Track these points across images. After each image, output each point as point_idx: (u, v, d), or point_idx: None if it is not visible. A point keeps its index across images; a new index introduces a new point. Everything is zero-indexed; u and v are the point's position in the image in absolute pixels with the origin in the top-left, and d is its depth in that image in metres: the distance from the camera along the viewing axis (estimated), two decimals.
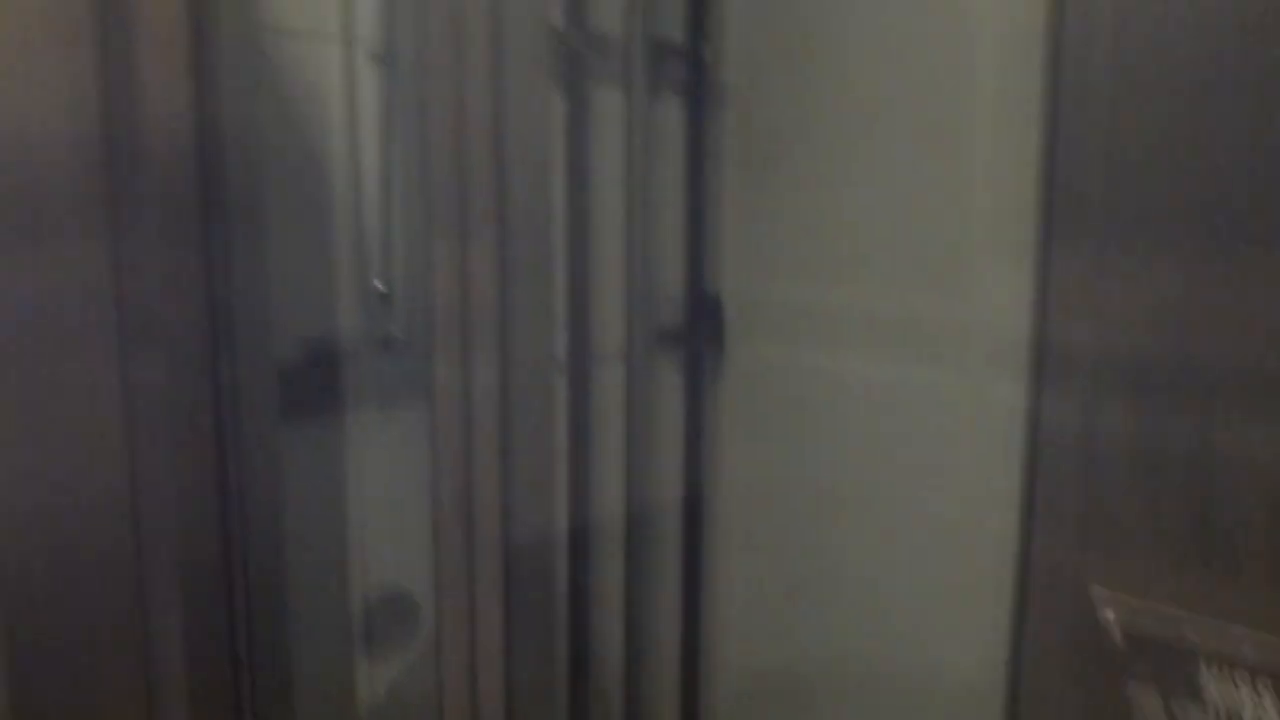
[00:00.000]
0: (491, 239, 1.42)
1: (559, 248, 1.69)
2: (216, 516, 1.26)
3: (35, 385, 1.26)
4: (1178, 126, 1.03)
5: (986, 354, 1.44)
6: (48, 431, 1.21)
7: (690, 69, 1.85)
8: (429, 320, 1.53)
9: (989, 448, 1.40)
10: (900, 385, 1.56)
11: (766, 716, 1.85)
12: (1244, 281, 0.98)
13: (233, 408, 1.38)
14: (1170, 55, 1.03)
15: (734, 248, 1.85)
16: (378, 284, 1.71)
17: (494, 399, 1.44)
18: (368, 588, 1.69)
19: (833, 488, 1.69)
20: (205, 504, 1.26)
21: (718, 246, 1.87)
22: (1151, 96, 1.05)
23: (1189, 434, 1.03)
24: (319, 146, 1.76)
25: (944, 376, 1.49)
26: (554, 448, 1.68)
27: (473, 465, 1.45)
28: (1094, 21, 1.10)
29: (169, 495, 1.23)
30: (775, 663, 1.82)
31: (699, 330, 1.88)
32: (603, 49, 1.71)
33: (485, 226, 1.43)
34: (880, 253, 1.59)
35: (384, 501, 1.68)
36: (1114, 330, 1.06)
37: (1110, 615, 1.05)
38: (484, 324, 1.44)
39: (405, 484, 1.63)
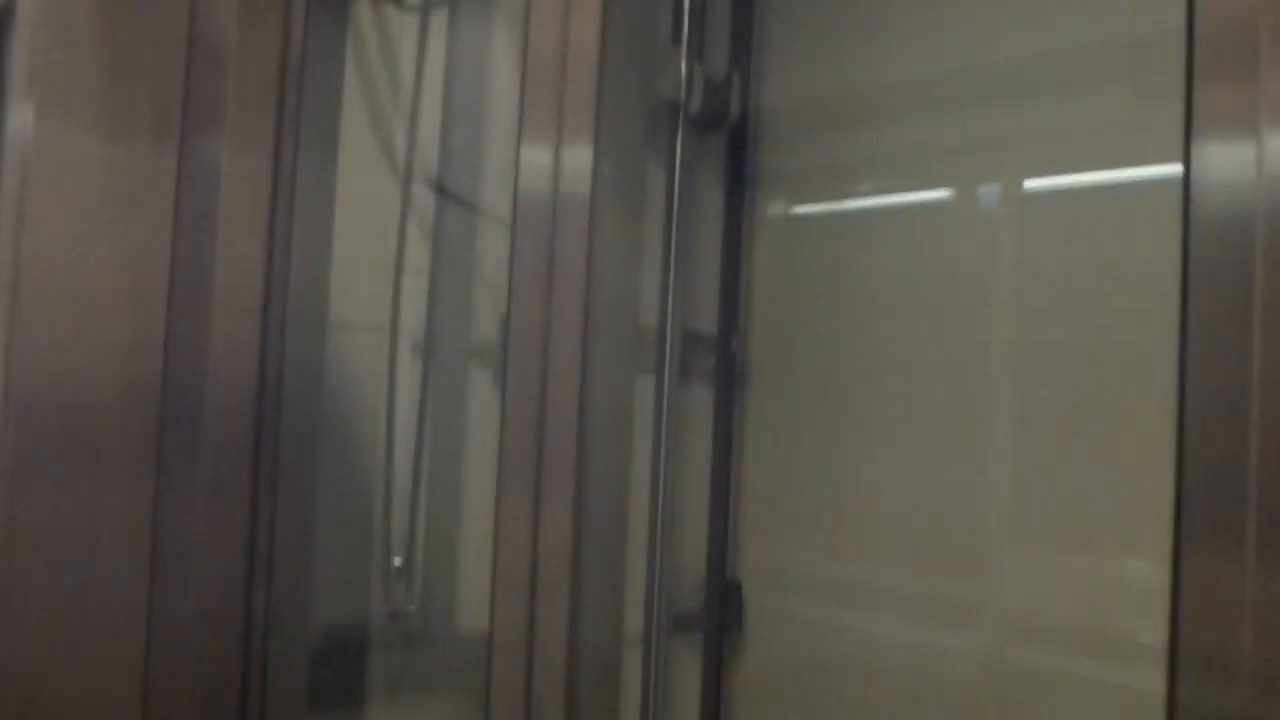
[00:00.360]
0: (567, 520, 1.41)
1: None
2: None
3: (64, 600, 1.34)
4: None
5: (1008, 628, 1.44)
6: (70, 649, 1.27)
7: (719, 358, 1.94)
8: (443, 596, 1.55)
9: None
10: (920, 657, 1.56)
11: None
12: None
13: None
14: None
15: (754, 529, 1.88)
16: (396, 560, 1.77)
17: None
18: None
19: None
20: None
21: (738, 531, 1.90)
22: None
23: None
24: (361, 427, 1.87)
25: (962, 647, 1.49)
26: None
27: None
28: None
29: None
30: None
31: (718, 614, 1.89)
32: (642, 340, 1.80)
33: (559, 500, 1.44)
34: (898, 529, 1.61)
35: None
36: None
37: None
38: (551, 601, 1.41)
39: None
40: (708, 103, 1.72)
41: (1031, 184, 1.47)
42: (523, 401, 1.31)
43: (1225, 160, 0.76)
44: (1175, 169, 1.28)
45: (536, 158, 1.30)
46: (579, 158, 1.26)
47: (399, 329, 2.09)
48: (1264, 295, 0.72)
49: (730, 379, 1.98)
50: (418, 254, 2.10)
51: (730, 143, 1.85)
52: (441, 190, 2.08)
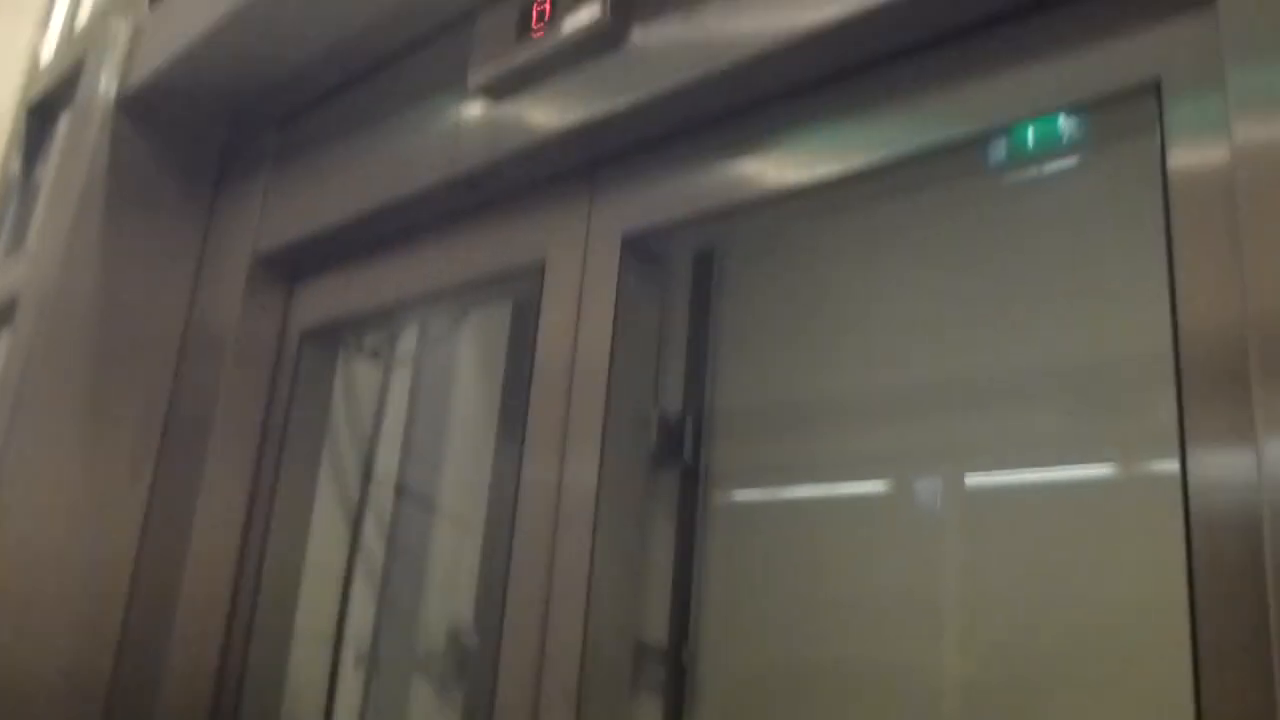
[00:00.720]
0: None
1: None
2: None
3: None
4: None
5: None
6: None
7: (669, 670, 1.92)
8: None
9: None
10: None
11: None
12: None
13: None
14: None
15: None
16: None
17: None
18: None
19: None
20: None
21: None
22: None
23: None
24: None
25: None
26: None
27: None
28: None
29: None
30: None
31: None
32: None
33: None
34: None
35: None
36: None
37: None
38: None
39: None
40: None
41: (972, 480, 1.54)
42: (514, 706, 1.28)
43: (1223, 467, 0.78)
44: (1108, 470, 1.39)
45: (540, 468, 1.34)
46: (585, 467, 1.29)
47: (344, 639, 2.04)
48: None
49: (680, 692, 1.95)
50: (370, 563, 2.09)
51: (683, 441, 1.90)
52: (398, 501, 2.10)
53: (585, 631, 1.24)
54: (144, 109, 1.77)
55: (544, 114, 1.34)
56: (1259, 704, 0.72)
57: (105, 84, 1.76)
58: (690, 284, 1.84)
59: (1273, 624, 0.70)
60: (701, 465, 1.83)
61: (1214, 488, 0.79)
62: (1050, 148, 1.06)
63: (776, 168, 1.19)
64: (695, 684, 1.84)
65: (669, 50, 1.23)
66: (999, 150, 1.08)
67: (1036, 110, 1.00)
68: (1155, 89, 0.90)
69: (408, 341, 2.19)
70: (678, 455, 1.84)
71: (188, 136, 1.84)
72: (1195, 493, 0.80)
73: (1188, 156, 0.86)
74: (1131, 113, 0.94)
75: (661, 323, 1.53)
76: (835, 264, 1.71)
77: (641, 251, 1.35)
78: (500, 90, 1.39)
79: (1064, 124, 1.01)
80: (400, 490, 2.13)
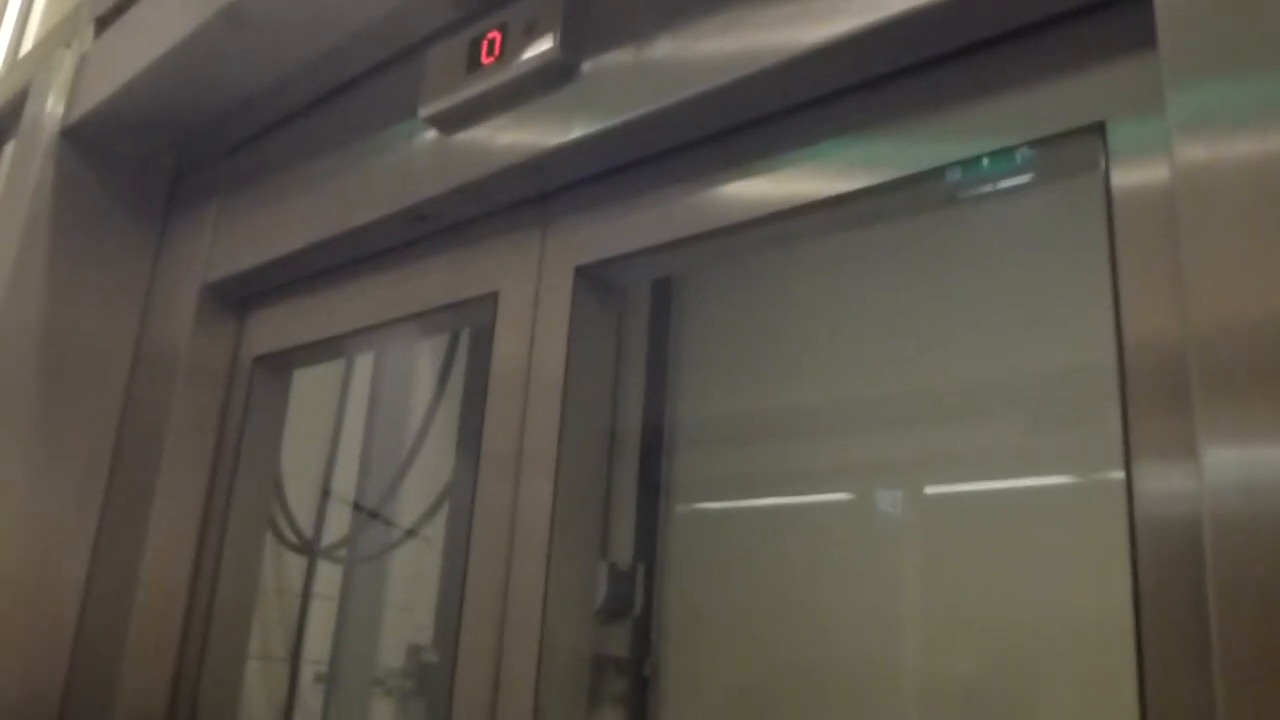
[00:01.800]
0: None
1: None
2: None
3: None
4: None
5: None
6: None
7: (631, 682, 1.93)
8: None
9: None
10: None
11: None
12: None
13: None
14: None
15: None
16: None
17: None
18: None
19: None
20: None
21: None
22: None
23: None
24: None
25: None
26: None
27: None
28: None
29: None
30: None
31: None
32: None
33: None
34: None
35: None
36: None
37: None
38: None
39: None
40: (613, 593, 1.77)
41: (931, 490, 1.57)
42: None
43: (1165, 476, 0.82)
44: (1066, 479, 1.43)
45: (494, 486, 1.35)
46: (539, 486, 1.30)
47: (303, 657, 2.04)
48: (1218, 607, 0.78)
49: (642, 704, 1.97)
50: (328, 580, 2.09)
51: (643, 455, 1.92)
52: (358, 514, 2.10)
53: (540, 648, 1.26)
54: (90, 138, 1.76)
55: (495, 146, 1.35)
56: (1200, 699, 0.76)
57: (50, 112, 1.74)
58: (649, 307, 1.86)
59: (1212, 625, 0.74)
60: (663, 479, 1.85)
61: (1157, 496, 0.83)
62: (1006, 168, 1.10)
63: (729, 199, 1.21)
64: (658, 695, 1.87)
65: (620, 83, 1.24)
66: (955, 172, 1.11)
67: (986, 147, 1.03)
68: (1100, 127, 0.94)
69: (364, 362, 2.19)
70: (639, 471, 1.86)
71: (136, 166, 1.83)
72: (1140, 500, 0.84)
73: (1130, 178, 0.90)
74: (1079, 142, 0.98)
75: (619, 345, 1.55)
76: (794, 284, 1.74)
77: (596, 280, 1.36)
78: (451, 122, 1.40)
79: (1018, 151, 1.05)
80: (357, 508, 2.13)
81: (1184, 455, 0.81)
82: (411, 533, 2.06)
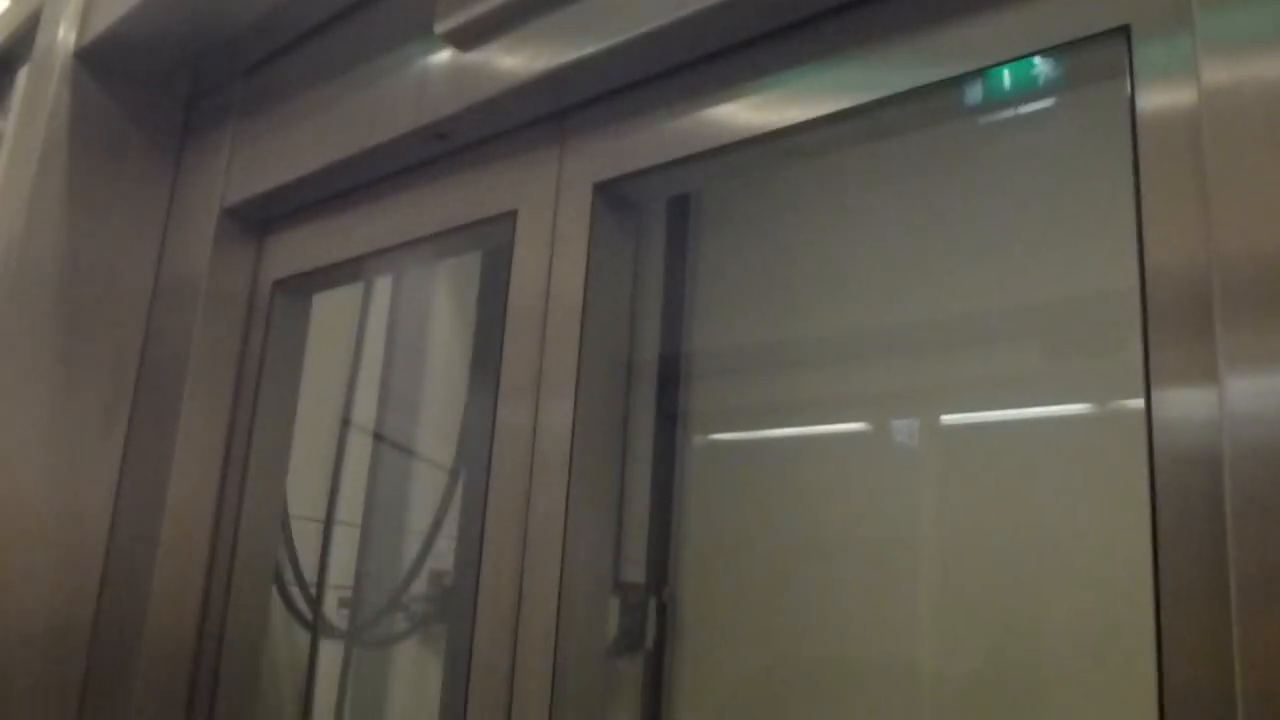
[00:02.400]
0: None
1: None
2: None
3: None
4: None
5: None
6: None
7: (650, 611, 1.95)
8: None
9: None
10: None
11: None
12: None
13: None
14: None
15: None
16: None
17: None
18: None
19: None
20: None
21: None
22: None
23: None
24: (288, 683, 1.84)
25: None
26: None
27: None
28: None
29: None
30: None
31: None
32: None
33: None
34: None
35: None
36: None
37: None
38: None
39: None
40: (625, 624, 1.76)
41: (948, 419, 1.57)
42: (492, 646, 1.31)
43: (1186, 404, 0.81)
44: (1084, 408, 1.42)
45: (515, 413, 1.35)
46: (559, 412, 1.30)
47: (327, 582, 2.07)
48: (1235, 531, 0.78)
49: (660, 631, 1.99)
50: (351, 507, 2.10)
51: (660, 384, 1.92)
52: (379, 442, 2.12)
53: (562, 572, 1.27)
54: (104, 61, 1.74)
55: (511, 62, 1.33)
56: (1217, 627, 0.76)
57: (63, 36, 1.73)
58: (666, 228, 1.85)
59: (1230, 554, 0.74)
60: (680, 407, 1.85)
61: (1177, 425, 0.81)
62: (1027, 89, 1.07)
63: (748, 112, 1.19)
64: (675, 623, 1.88)
65: None
66: (975, 92, 1.09)
67: (1009, 55, 1.01)
68: (1125, 33, 0.91)
69: (384, 286, 2.19)
70: (656, 400, 1.86)
71: (151, 88, 1.82)
72: (1159, 429, 0.83)
73: (1156, 99, 0.88)
74: (1103, 56, 0.95)
75: (637, 267, 1.54)
76: (812, 206, 1.72)
77: (614, 198, 1.35)
78: (467, 39, 1.38)
79: (1040, 66, 1.02)
80: (378, 434, 2.14)
81: (1205, 383, 0.80)
82: (433, 460, 2.08)
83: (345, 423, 2.12)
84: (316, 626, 2.05)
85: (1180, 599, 0.79)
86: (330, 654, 2.04)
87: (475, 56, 1.38)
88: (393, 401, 2.14)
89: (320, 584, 2.06)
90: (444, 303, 2.15)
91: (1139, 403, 0.84)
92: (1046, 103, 1.24)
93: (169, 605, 1.66)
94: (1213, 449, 0.78)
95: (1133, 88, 0.89)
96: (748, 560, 1.71)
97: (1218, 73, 0.80)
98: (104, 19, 1.67)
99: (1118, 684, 1.27)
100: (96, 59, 1.74)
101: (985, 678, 1.40)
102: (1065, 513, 1.36)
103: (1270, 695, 0.70)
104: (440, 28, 1.39)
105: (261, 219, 1.80)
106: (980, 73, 1.03)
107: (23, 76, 1.88)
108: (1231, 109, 0.79)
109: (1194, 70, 0.82)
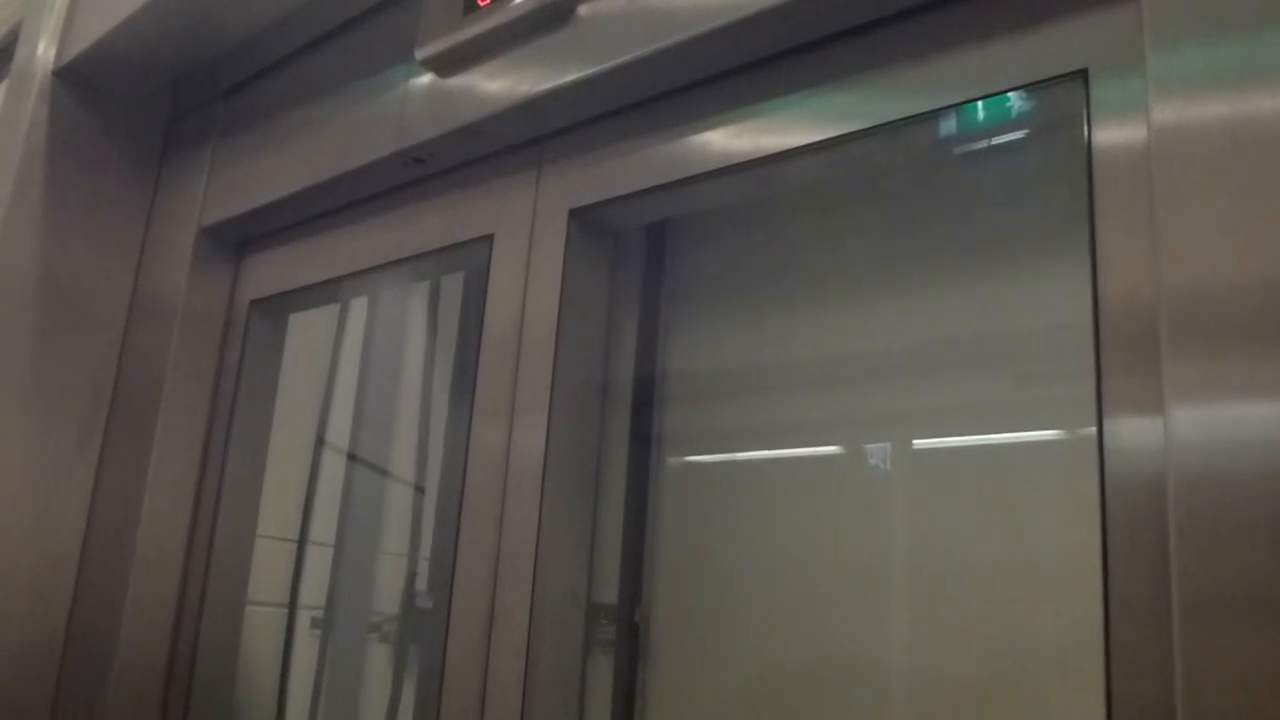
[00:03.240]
0: None
1: None
2: None
3: None
4: None
5: None
6: None
7: (621, 629, 1.95)
8: None
9: None
10: None
11: None
12: None
13: None
14: None
15: None
16: None
17: None
18: None
19: None
20: None
21: None
22: None
23: None
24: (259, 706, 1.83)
25: None
26: None
27: None
28: None
29: None
30: None
31: None
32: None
33: None
34: None
35: None
36: None
37: None
38: None
39: None
40: (596, 644, 1.76)
41: (920, 443, 1.59)
42: (464, 666, 1.32)
43: (1134, 432, 0.84)
44: (1054, 434, 1.45)
45: (488, 434, 1.37)
46: (533, 434, 1.32)
47: (299, 603, 2.06)
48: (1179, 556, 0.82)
49: (633, 651, 1.99)
50: (325, 526, 2.10)
51: (635, 407, 1.93)
52: (352, 462, 2.12)
53: (533, 593, 1.28)
54: (84, 79, 1.75)
55: (491, 89, 1.35)
56: (1160, 642, 0.79)
57: (43, 53, 1.73)
58: (643, 252, 1.87)
59: (1174, 574, 0.77)
60: (654, 430, 1.86)
61: (1127, 452, 0.85)
62: (1000, 122, 1.10)
63: (723, 141, 1.22)
64: (648, 643, 1.89)
65: (618, 25, 1.24)
66: (949, 124, 1.12)
67: (975, 94, 1.04)
68: (1083, 76, 0.94)
69: (359, 307, 2.20)
70: (631, 423, 1.87)
71: (130, 107, 1.82)
72: (1110, 456, 0.86)
73: (1110, 136, 0.91)
74: (1066, 96, 0.98)
75: (612, 290, 1.56)
76: (786, 238, 1.74)
77: (590, 224, 1.37)
78: (447, 65, 1.40)
79: (1014, 100, 1.06)
80: (352, 455, 2.14)
81: (1154, 413, 0.82)
82: (406, 481, 2.08)
83: (320, 442, 2.12)
84: (290, 645, 2.04)
85: (1128, 616, 0.82)
86: (303, 671, 2.03)
87: (455, 82, 1.40)
88: (367, 421, 2.14)
89: (293, 604, 2.06)
90: (421, 324, 2.15)
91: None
92: (1020, 133, 1.27)
93: (142, 622, 1.66)
94: (1159, 475, 0.81)
95: (1089, 127, 0.92)
96: (721, 582, 1.72)
97: (1166, 112, 0.83)
98: (84, 38, 1.68)
99: (1085, 703, 1.29)
100: (76, 77, 1.74)
101: (954, 697, 1.42)
102: (1033, 536, 1.38)
103: (1207, 707, 0.73)
104: (421, 54, 1.41)
105: (239, 239, 1.80)
106: (951, 108, 1.06)
107: (1, 92, 1.88)
108: (1178, 147, 0.82)
109: (1145, 109, 0.85)
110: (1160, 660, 0.78)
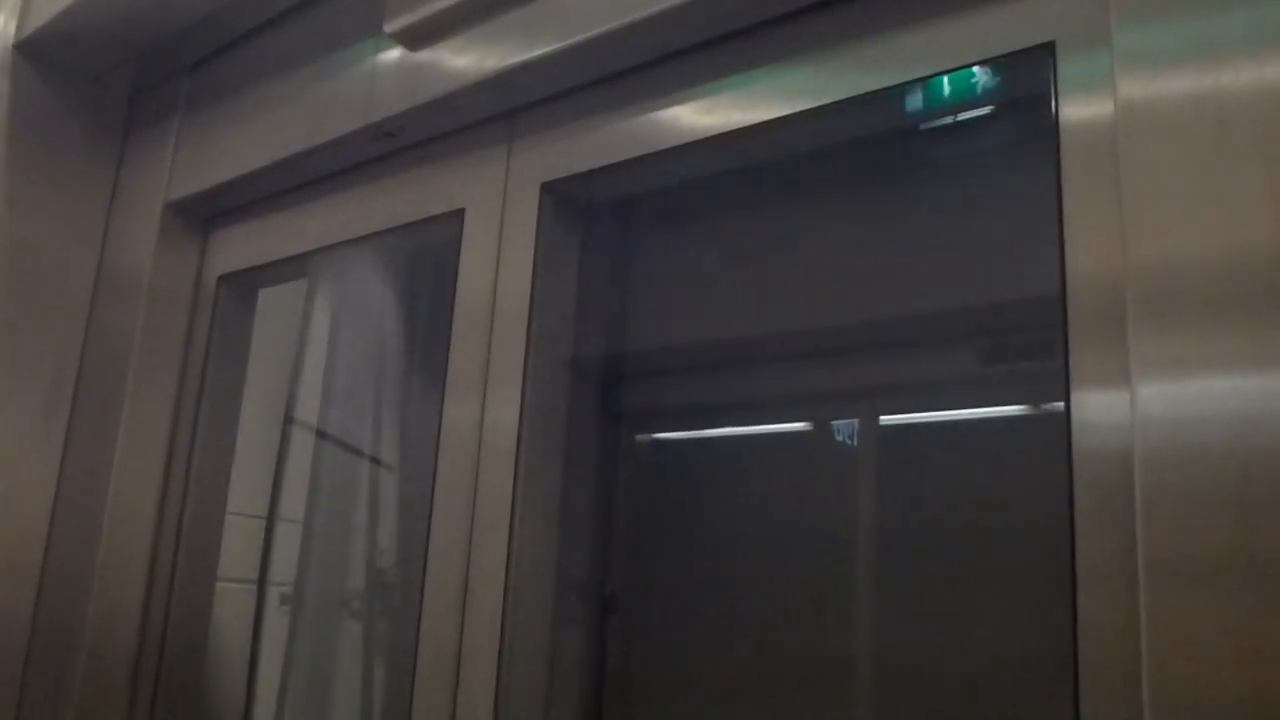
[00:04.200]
0: None
1: None
2: None
3: None
4: None
5: None
6: None
7: (590, 602, 1.97)
8: None
9: None
10: None
11: None
12: None
13: None
14: None
15: None
16: None
17: None
18: None
19: None
20: None
21: None
22: None
23: None
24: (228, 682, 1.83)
25: None
26: None
27: None
28: None
29: None
30: None
31: None
32: None
33: None
34: None
35: None
36: None
37: None
38: None
39: None
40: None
41: (887, 419, 1.61)
42: (439, 640, 1.32)
43: (1102, 406, 0.85)
44: (1019, 409, 1.47)
45: (462, 408, 1.37)
46: (506, 408, 1.32)
47: (268, 579, 2.06)
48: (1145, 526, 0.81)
49: (602, 625, 2.00)
50: (294, 503, 2.09)
51: (603, 383, 1.94)
52: (321, 439, 2.11)
53: (508, 567, 1.29)
54: (46, 54, 1.73)
55: (461, 62, 1.35)
56: (1126, 609, 0.81)
57: (3, 27, 1.71)
58: (612, 227, 1.87)
59: (1139, 543, 0.79)
60: (623, 406, 1.87)
61: (1094, 427, 0.86)
62: (966, 97, 1.11)
63: (693, 115, 1.22)
64: (618, 617, 1.90)
65: None
66: (915, 99, 1.13)
67: (943, 67, 1.05)
68: (1050, 49, 0.95)
69: (329, 282, 2.18)
70: (600, 396, 1.88)
71: (93, 82, 1.80)
72: (1078, 429, 0.87)
73: (1077, 111, 0.92)
74: (1033, 69, 0.99)
75: (582, 266, 1.56)
76: (753, 213, 1.75)
77: (561, 198, 1.37)
78: (416, 38, 1.40)
79: (979, 76, 1.07)
80: (321, 431, 2.13)
81: (1120, 386, 0.84)
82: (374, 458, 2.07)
83: (289, 419, 2.11)
84: (259, 622, 2.04)
85: (1094, 585, 0.84)
86: (272, 647, 2.03)
87: (425, 56, 1.40)
88: (336, 397, 2.13)
89: (262, 580, 2.05)
90: (391, 298, 2.15)
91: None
92: (988, 108, 1.28)
93: (112, 599, 1.65)
94: (1125, 448, 0.82)
95: (1056, 100, 0.94)
96: (689, 556, 1.73)
97: (1133, 87, 0.84)
98: (45, 12, 1.66)
99: (1053, 676, 1.31)
100: (38, 52, 1.72)
101: (924, 672, 1.44)
102: (999, 509, 1.41)
103: (1171, 671, 0.76)
104: (390, 27, 1.40)
105: (206, 214, 1.79)
106: (919, 81, 1.08)
107: None
108: (1145, 121, 0.83)
109: (1111, 84, 0.86)
110: (1126, 627, 0.80)
